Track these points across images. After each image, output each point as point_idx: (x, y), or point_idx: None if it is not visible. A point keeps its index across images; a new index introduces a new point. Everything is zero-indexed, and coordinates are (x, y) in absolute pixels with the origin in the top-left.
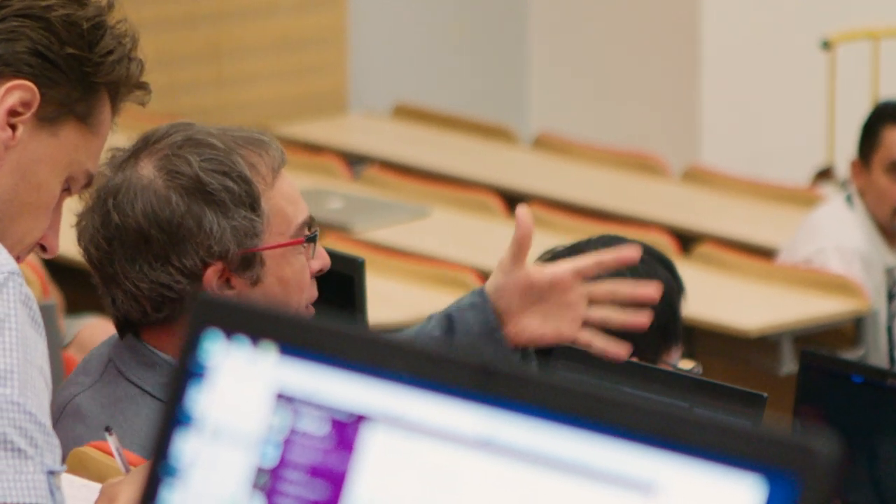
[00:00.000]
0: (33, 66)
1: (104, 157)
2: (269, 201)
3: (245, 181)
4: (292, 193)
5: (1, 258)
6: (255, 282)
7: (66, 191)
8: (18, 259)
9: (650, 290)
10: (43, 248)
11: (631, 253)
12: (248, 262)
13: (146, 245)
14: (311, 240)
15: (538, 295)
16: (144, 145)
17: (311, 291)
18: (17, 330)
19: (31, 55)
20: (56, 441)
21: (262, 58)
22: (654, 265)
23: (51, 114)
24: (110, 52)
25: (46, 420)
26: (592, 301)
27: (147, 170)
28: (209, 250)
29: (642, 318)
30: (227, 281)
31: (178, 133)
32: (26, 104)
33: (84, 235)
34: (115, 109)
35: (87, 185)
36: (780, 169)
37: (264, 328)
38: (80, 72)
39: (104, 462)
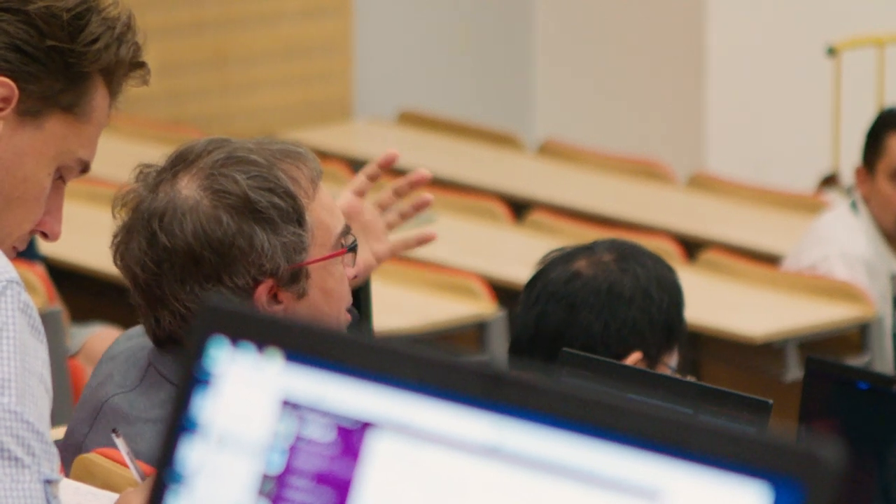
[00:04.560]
0: (11, 62)
1: (132, 172)
2: (312, 214)
3: (290, 196)
4: (330, 204)
5: (0, 265)
6: (302, 295)
7: (60, 179)
8: (14, 249)
9: (422, 172)
10: (44, 235)
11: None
12: (296, 277)
13: (197, 266)
14: (353, 249)
15: None
16: (182, 163)
17: (349, 297)
18: (15, 338)
19: (9, 50)
20: (54, 450)
21: (268, 65)
22: (662, 267)
23: (33, 107)
24: (96, 40)
25: (45, 429)
26: (383, 208)
27: (190, 190)
28: (261, 268)
29: (432, 232)
30: (275, 296)
31: (217, 150)
32: (5, 100)
33: (128, 257)
34: (113, 93)
35: (83, 171)
36: (785, 175)
37: (270, 335)
38: (63, 63)
39: (110, 469)
